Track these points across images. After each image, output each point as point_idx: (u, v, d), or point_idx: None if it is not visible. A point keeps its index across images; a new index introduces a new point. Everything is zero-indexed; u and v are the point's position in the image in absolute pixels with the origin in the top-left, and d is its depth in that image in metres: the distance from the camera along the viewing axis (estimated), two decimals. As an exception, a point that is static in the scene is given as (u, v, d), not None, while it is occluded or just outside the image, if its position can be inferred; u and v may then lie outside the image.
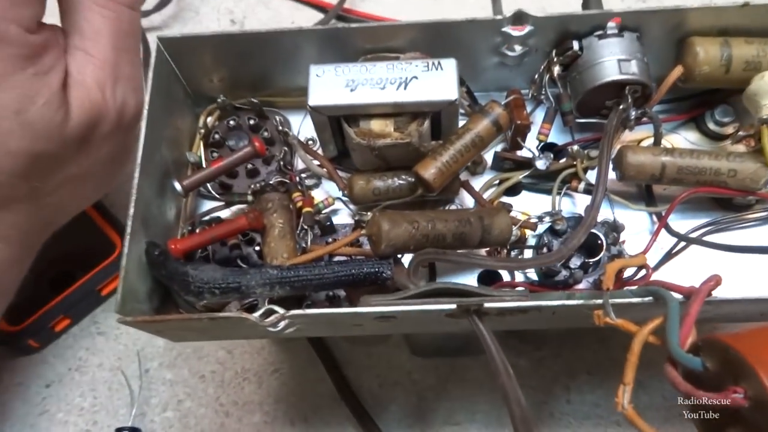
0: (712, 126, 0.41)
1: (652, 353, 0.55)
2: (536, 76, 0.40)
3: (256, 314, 0.30)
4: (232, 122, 0.41)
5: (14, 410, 0.51)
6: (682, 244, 0.38)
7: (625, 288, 0.34)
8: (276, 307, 0.30)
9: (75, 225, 0.54)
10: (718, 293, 0.29)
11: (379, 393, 0.51)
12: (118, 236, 0.54)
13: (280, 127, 0.40)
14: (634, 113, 0.37)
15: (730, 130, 0.41)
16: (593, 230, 0.35)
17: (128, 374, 0.52)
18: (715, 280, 0.27)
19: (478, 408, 0.51)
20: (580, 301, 0.30)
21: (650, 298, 0.30)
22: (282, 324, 0.30)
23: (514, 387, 0.30)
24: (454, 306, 0.29)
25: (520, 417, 0.29)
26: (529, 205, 0.40)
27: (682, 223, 0.39)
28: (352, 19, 0.67)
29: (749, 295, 0.29)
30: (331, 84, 0.35)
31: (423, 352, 0.51)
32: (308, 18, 0.68)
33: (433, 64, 0.35)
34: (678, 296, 0.28)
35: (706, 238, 0.38)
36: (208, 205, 0.41)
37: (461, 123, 0.37)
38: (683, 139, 0.41)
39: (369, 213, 0.38)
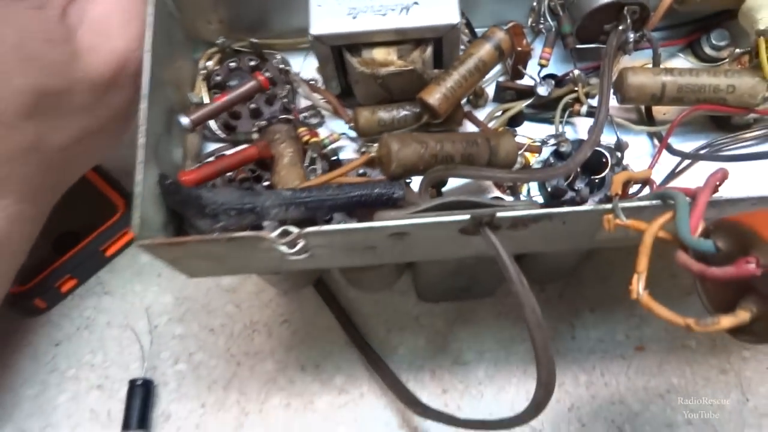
0: (708, 50, 0.41)
1: (653, 289, 0.56)
2: (534, 4, 0.40)
3: (273, 234, 0.30)
4: (232, 64, 0.41)
5: (24, 369, 0.51)
6: (685, 163, 0.38)
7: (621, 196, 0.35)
8: (291, 227, 0.30)
9: (76, 187, 0.55)
10: (726, 194, 0.30)
11: (387, 338, 0.52)
12: (121, 198, 0.54)
13: (281, 66, 0.40)
14: (632, 36, 0.38)
15: (725, 53, 0.41)
16: (598, 148, 0.36)
17: (137, 331, 0.52)
18: (722, 172, 0.28)
19: (485, 347, 0.52)
20: (590, 207, 0.31)
21: (658, 201, 0.30)
22: (299, 244, 0.31)
23: (528, 295, 0.30)
24: (467, 217, 0.30)
25: (534, 322, 0.30)
26: (532, 134, 0.40)
27: (683, 145, 0.39)
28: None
29: (753, 194, 0.30)
30: (332, 12, 0.35)
31: (429, 295, 0.52)
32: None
33: (434, -12, 0.35)
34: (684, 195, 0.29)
35: (706, 155, 0.38)
36: (212, 146, 0.41)
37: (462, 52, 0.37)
38: (682, 62, 0.42)
39: (375, 144, 0.38)
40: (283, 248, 0.31)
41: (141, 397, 0.48)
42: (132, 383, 0.48)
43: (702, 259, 0.26)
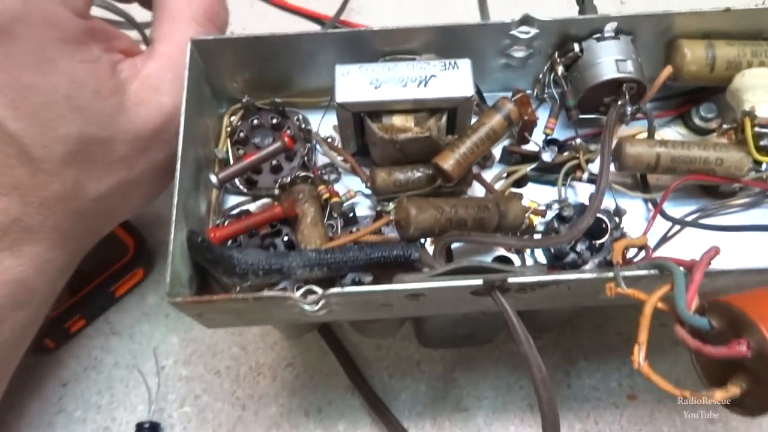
0: (697, 121, 0.45)
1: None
2: (540, 76, 0.43)
3: (297, 293, 0.32)
4: (255, 121, 0.43)
5: (31, 409, 0.51)
6: (676, 228, 0.41)
7: (622, 265, 0.37)
8: (314, 287, 0.32)
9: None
10: (715, 266, 0.32)
11: (389, 383, 0.54)
12: (131, 238, 0.56)
13: (303, 125, 0.43)
14: (629, 109, 0.41)
15: (713, 125, 0.45)
16: (598, 215, 0.38)
17: (144, 372, 0.53)
18: (714, 250, 0.30)
19: (484, 395, 0.54)
20: (594, 275, 0.33)
21: (656, 270, 0.33)
22: (320, 303, 0.33)
23: (535, 354, 0.32)
24: (480, 281, 0.32)
25: (540, 380, 0.32)
26: (535, 195, 0.43)
27: (674, 210, 0.42)
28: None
29: (743, 266, 0.33)
30: (356, 82, 0.38)
31: (431, 342, 0.54)
32: (305, 29, 0.71)
33: (450, 64, 0.38)
34: (681, 268, 0.31)
35: (698, 222, 0.41)
36: (233, 199, 0.43)
37: (472, 119, 0.40)
38: (672, 133, 0.45)
39: (390, 203, 0.41)
40: (306, 307, 0.33)
41: (148, 440, 0.49)
42: (139, 426, 0.49)
43: (697, 333, 0.28)
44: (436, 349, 0.55)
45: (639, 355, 0.29)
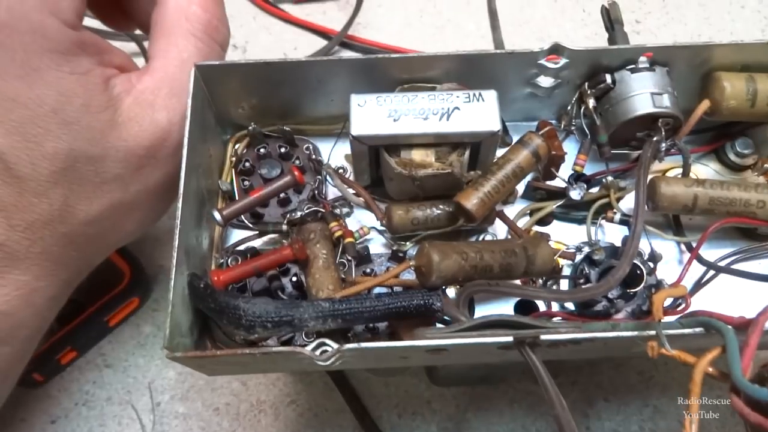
0: (732, 157, 0.42)
1: (666, 379, 0.55)
2: (568, 108, 0.40)
3: (308, 348, 0.29)
4: (262, 150, 0.40)
5: (17, 448, 0.48)
6: (711, 272, 0.38)
7: (665, 318, 0.35)
8: (328, 341, 0.30)
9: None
10: None
11: (398, 423, 0.51)
12: (126, 264, 0.53)
13: (313, 156, 0.40)
14: (664, 145, 0.38)
15: (749, 161, 0.42)
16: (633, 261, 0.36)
17: (138, 408, 0.50)
18: (772, 311, 0.28)
19: (498, 437, 0.51)
20: (634, 333, 0.30)
21: (701, 328, 0.30)
22: (334, 358, 0.30)
23: (569, 419, 0.30)
24: (510, 338, 0.29)
25: (576, 450, 0.29)
26: (560, 234, 0.40)
27: (709, 252, 0.39)
28: (355, 46, 0.68)
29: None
30: (373, 114, 0.35)
31: (444, 382, 0.51)
32: (310, 43, 0.69)
33: (474, 95, 0.36)
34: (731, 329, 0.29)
35: (733, 267, 0.38)
36: (237, 233, 0.40)
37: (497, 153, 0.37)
38: (705, 169, 0.43)
39: (407, 243, 0.38)
40: (319, 362, 0.30)
41: (141, 484, 0.46)
42: (133, 469, 0.46)
43: (756, 404, 0.25)
44: (449, 388, 0.52)
45: (692, 428, 0.26)
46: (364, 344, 0.29)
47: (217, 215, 0.34)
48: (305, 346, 0.30)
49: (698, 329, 0.30)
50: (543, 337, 0.29)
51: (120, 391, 0.51)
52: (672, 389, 0.53)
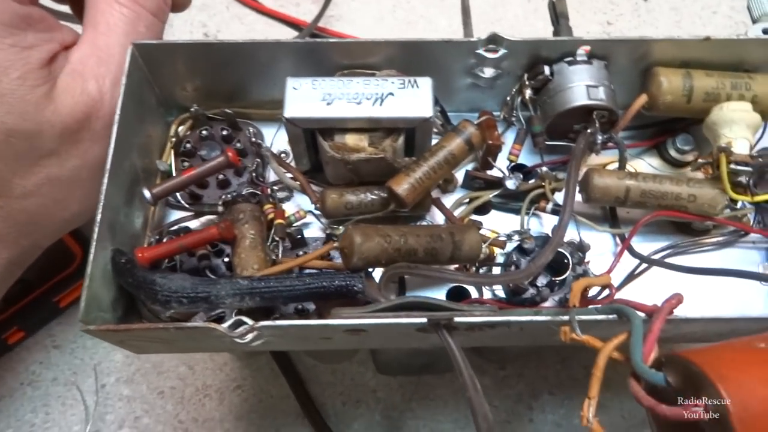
0: (673, 153, 0.42)
1: (612, 374, 0.56)
2: (508, 98, 0.41)
3: (225, 325, 0.29)
4: (204, 132, 0.41)
5: (-41, 425, 0.48)
6: (644, 265, 0.39)
7: (590, 306, 0.35)
8: (245, 318, 0.30)
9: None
10: (679, 312, 0.30)
11: (342, 411, 0.51)
12: (78, 245, 0.53)
13: (253, 139, 0.40)
14: (600, 138, 0.38)
15: (690, 157, 0.42)
16: (560, 249, 0.36)
17: (84, 389, 0.50)
18: (677, 299, 0.28)
19: (441, 427, 0.51)
20: (548, 317, 0.30)
21: (614, 315, 0.30)
22: (250, 336, 0.30)
23: (482, 402, 0.30)
24: (424, 320, 0.30)
25: (486, 430, 0.30)
26: (497, 224, 0.40)
27: (644, 246, 0.40)
28: (326, 37, 0.68)
29: (707, 315, 0.30)
30: (307, 97, 0.35)
31: (388, 370, 0.51)
32: (282, 35, 0.69)
33: (410, 81, 0.36)
34: (641, 314, 0.29)
35: (666, 261, 0.39)
36: (176, 215, 0.40)
37: (434, 141, 0.38)
38: (646, 164, 0.43)
39: (341, 227, 0.38)
40: (236, 339, 0.30)
41: (79, 463, 0.46)
42: (71, 449, 0.46)
43: (653, 388, 0.26)
44: (395, 377, 0.52)
45: (589, 411, 0.26)
46: (278, 322, 0.29)
47: (146, 193, 0.34)
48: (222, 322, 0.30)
49: (611, 316, 0.30)
50: (457, 319, 0.30)
51: (66, 372, 0.51)
52: (617, 385, 0.52)
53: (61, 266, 0.52)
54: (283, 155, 0.41)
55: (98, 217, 0.31)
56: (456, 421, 0.51)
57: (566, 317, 0.30)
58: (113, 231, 0.33)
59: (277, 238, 0.35)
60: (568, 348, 0.55)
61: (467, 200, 0.41)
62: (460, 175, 0.42)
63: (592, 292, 0.36)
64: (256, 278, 0.31)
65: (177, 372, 0.51)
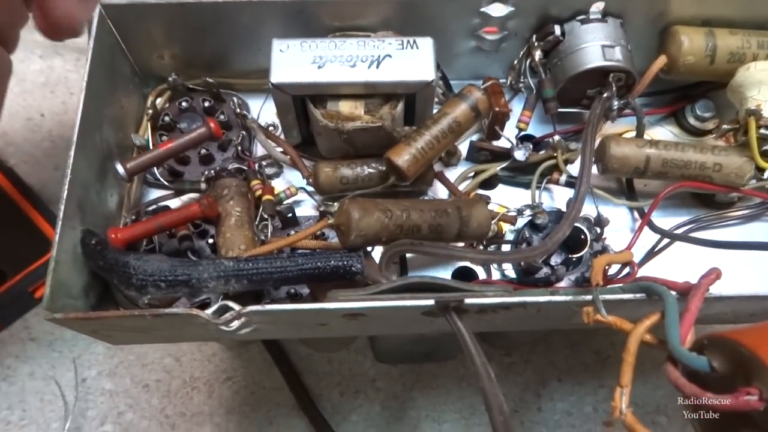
0: (692, 121, 0.39)
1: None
2: (515, 62, 0.37)
3: (209, 311, 0.26)
4: (184, 104, 0.37)
5: (-72, 425, 0.45)
6: (665, 241, 0.36)
7: (602, 285, 0.32)
8: (231, 304, 0.27)
9: (6, 219, 0.50)
10: (713, 290, 0.27)
11: (340, 402, 0.48)
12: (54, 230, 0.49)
13: (238, 110, 0.37)
14: (616, 103, 0.35)
15: (710, 125, 0.39)
16: (576, 224, 0.33)
17: (63, 384, 0.47)
18: (716, 274, 0.25)
19: (444, 417, 0.48)
20: (568, 298, 0.27)
21: (642, 294, 0.27)
22: (237, 323, 0.27)
23: (496, 393, 0.27)
24: (432, 302, 0.26)
25: (502, 424, 0.27)
26: (505, 198, 0.37)
27: (663, 220, 0.37)
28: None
29: (746, 292, 0.27)
30: (296, 60, 0.32)
31: (388, 358, 0.48)
32: None
33: (408, 42, 0.32)
34: (673, 293, 0.26)
35: (690, 235, 0.36)
36: (155, 193, 0.37)
37: (435, 109, 0.34)
38: (664, 132, 0.40)
39: (336, 203, 0.35)
40: (222, 326, 0.27)
41: (59, 464, 0.43)
42: (49, 448, 0.43)
43: (694, 375, 0.23)
44: (395, 365, 0.49)
45: (621, 401, 0.23)
46: (268, 306, 0.26)
47: (119, 168, 0.31)
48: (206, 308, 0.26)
49: (639, 295, 0.27)
50: (468, 300, 0.26)
51: (44, 365, 0.48)
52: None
53: (35, 254, 0.48)
54: (271, 128, 0.38)
55: (64, 194, 0.28)
56: (460, 410, 0.48)
57: (589, 297, 0.27)
58: (83, 210, 0.29)
59: (266, 216, 0.32)
60: (577, 333, 0.53)
61: (472, 174, 0.37)
62: (463, 147, 0.38)
63: (611, 270, 0.33)
64: (243, 259, 0.28)
65: (162, 364, 0.48)
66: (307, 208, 0.37)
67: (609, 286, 0.30)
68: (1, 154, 0.53)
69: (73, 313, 0.26)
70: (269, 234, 0.32)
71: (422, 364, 0.49)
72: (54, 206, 0.51)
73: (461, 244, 0.32)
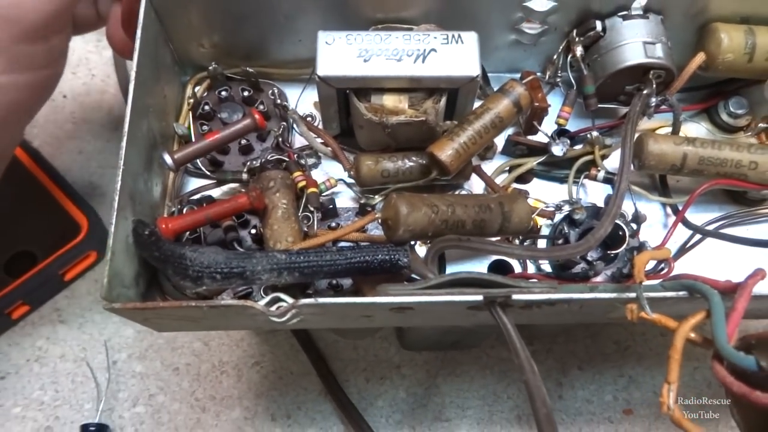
0: (725, 117, 0.40)
1: (643, 349, 0.54)
2: (555, 57, 0.38)
3: (262, 303, 0.27)
4: (223, 93, 0.37)
5: (-37, 405, 0.46)
6: (698, 237, 0.36)
7: (647, 282, 0.33)
8: (283, 296, 0.27)
9: (35, 202, 0.50)
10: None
11: (365, 388, 0.49)
12: (84, 216, 0.50)
13: (279, 101, 0.37)
14: (654, 100, 0.36)
15: (743, 122, 0.40)
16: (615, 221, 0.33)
17: (94, 366, 0.47)
18: (761, 274, 0.26)
19: (468, 404, 0.49)
20: (612, 294, 0.28)
21: (684, 292, 0.28)
22: (288, 314, 0.27)
23: (539, 385, 0.28)
24: (480, 297, 0.27)
25: (545, 417, 0.27)
26: (540, 192, 0.38)
27: (696, 216, 0.37)
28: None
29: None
30: (342, 53, 0.32)
31: (415, 346, 0.49)
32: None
33: (453, 36, 0.33)
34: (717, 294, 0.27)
35: (722, 232, 0.36)
36: (194, 182, 0.37)
37: (475, 103, 0.35)
38: (697, 129, 0.40)
39: (376, 196, 0.35)
40: (273, 318, 0.27)
41: (94, 444, 0.44)
42: (84, 429, 0.44)
43: (740, 373, 0.23)
44: (419, 353, 0.50)
45: (669, 397, 0.24)
46: (321, 300, 0.27)
47: (167, 158, 0.31)
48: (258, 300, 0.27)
49: (681, 293, 0.28)
50: (515, 296, 0.27)
51: (75, 348, 0.48)
52: (649, 360, 0.51)
53: (65, 238, 0.49)
54: (309, 118, 0.38)
55: (118, 184, 0.28)
56: (483, 397, 0.49)
57: (632, 294, 0.28)
58: (133, 200, 0.30)
59: (312, 208, 0.33)
60: (597, 323, 0.54)
61: (508, 168, 0.38)
62: (498, 140, 0.39)
63: (647, 266, 0.34)
64: (294, 252, 0.28)
65: (192, 348, 0.49)
66: (344, 199, 0.37)
67: (650, 283, 0.30)
68: (25, 135, 0.53)
69: (131, 303, 0.26)
70: (315, 225, 0.33)
71: (446, 352, 0.50)
72: (80, 188, 0.51)
73: (496, 239, 0.33)
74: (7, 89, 0.33)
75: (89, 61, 0.58)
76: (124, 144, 0.29)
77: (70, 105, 0.57)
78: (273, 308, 0.27)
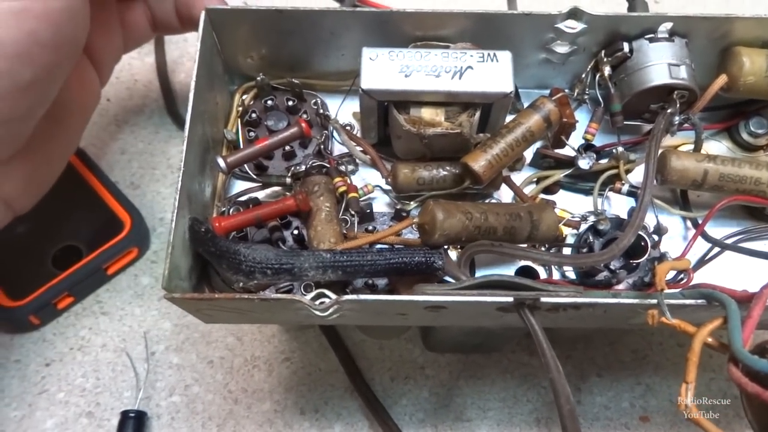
0: (745, 136, 0.41)
1: (660, 359, 0.55)
2: (583, 75, 0.40)
3: (308, 297, 0.29)
4: (269, 102, 0.40)
5: (11, 388, 0.49)
6: (716, 250, 0.38)
7: (667, 290, 0.35)
8: (326, 291, 0.29)
9: (82, 200, 0.53)
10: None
11: (390, 386, 0.51)
12: (127, 215, 0.52)
13: (321, 111, 0.39)
14: (677, 119, 0.37)
15: (762, 141, 0.41)
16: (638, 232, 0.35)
17: (133, 356, 0.50)
18: (776, 285, 0.27)
19: (489, 405, 0.51)
20: (635, 300, 0.30)
21: (703, 300, 0.30)
22: (332, 309, 0.30)
23: (564, 384, 0.30)
24: (510, 299, 0.29)
25: (568, 412, 0.29)
26: (565, 204, 0.40)
27: (714, 230, 0.39)
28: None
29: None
30: (385, 68, 0.34)
31: (437, 348, 0.51)
32: (324, 2, 0.67)
33: (489, 55, 0.35)
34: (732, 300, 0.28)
35: (741, 246, 0.38)
36: (239, 185, 0.39)
37: (507, 118, 0.37)
38: (719, 147, 0.42)
39: (411, 202, 0.37)
40: (317, 312, 0.30)
41: (133, 430, 0.46)
42: (124, 415, 0.47)
43: (754, 375, 0.25)
44: (443, 354, 0.52)
45: (687, 396, 0.26)
46: (363, 296, 0.29)
47: (221, 162, 0.33)
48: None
49: (700, 300, 0.30)
50: (543, 299, 0.29)
51: (115, 338, 0.51)
52: (665, 369, 0.53)
53: (109, 235, 0.51)
54: (348, 127, 0.40)
55: (179, 185, 0.30)
56: (504, 400, 0.51)
57: (653, 300, 0.30)
58: (190, 200, 0.32)
59: (353, 212, 0.35)
60: (616, 331, 0.55)
61: (536, 179, 0.40)
62: (527, 153, 0.41)
63: (668, 276, 0.36)
64: (338, 252, 0.30)
65: (225, 342, 0.51)
66: (380, 204, 0.39)
67: (670, 291, 0.32)
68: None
69: (189, 294, 0.29)
70: (355, 228, 0.35)
71: (468, 354, 0.52)
72: (124, 188, 0.54)
73: (525, 246, 0.35)
74: (25, 16, 0.30)
75: (132, 66, 0.61)
76: (184, 148, 0.31)
77: (114, 108, 0.60)
78: (317, 303, 0.29)
